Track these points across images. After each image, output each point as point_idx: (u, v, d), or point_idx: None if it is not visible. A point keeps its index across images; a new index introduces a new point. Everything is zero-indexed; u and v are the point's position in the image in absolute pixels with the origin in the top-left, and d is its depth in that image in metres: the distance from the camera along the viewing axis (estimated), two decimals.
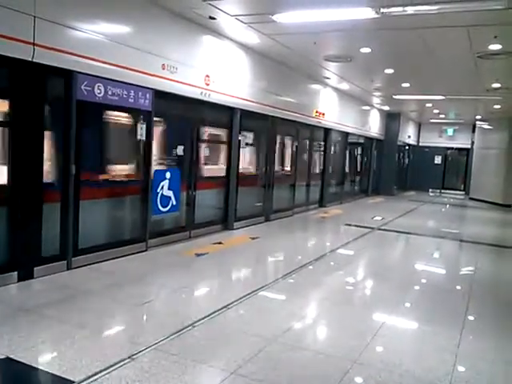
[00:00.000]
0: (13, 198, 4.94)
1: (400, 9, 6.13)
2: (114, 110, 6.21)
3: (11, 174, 4.91)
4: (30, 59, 4.78)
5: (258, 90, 9.41)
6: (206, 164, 8.55)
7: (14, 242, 4.97)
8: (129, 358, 3.44)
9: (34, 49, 4.80)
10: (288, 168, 11.86)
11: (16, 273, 4.97)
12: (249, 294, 5.14)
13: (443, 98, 13.87)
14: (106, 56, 5.72)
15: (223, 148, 9.08)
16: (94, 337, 3.86)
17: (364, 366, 3.58)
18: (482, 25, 6.63)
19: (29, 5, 4.71)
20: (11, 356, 3.35)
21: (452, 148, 23.54)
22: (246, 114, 9.10)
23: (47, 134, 5.22)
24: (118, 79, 5.92)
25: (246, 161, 10.01)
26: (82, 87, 5.45)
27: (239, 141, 9.07)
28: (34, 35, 4.79)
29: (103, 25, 5.71)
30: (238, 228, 9.19)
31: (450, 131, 23.01)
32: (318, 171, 13.84)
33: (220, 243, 7.79)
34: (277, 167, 10.91)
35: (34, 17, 4.78)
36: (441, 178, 23.68)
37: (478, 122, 20.46)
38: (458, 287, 6.28)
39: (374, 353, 3.90)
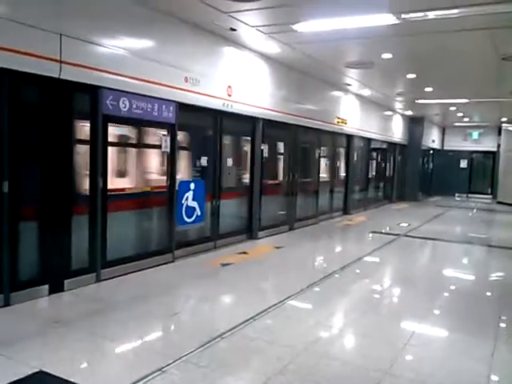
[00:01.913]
0: (43, 211, 5.04)
1: (421, 14, 6.10)
2: (139, 124, 6.30)
3: (41, 188, 5.02)
4: (57, 76, 4.91)
5: (279, 98, 9.44)
6: (229, 174, 8.58)
7: (44, 255, 5.06)
8: (159, 370, 3.46)
9: (60, 66, 4.91)
10: (311, 175, 11.82)
11: (47, 286, 5.07)
12: (276, 304, 5.12)
13: (467, 101, 13.66)
14: (130, 70, 5.82)
15: (246, 158, 9.11)
16: (124, 349, 3.90)
17: (396, 377, 3.52)
18: (505, 27, 6.52)
19: (55, 23, 4.84)
20: (44, 369, 3.41)
21: (477, 151, 23.13)
22: (269, 124, 9.13)
23: (75, 148, 5.33)
24: (142, 93, 6.01)
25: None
26: (108, 102, 5.55)
27: (262, 150, 9.09)
28: (61, 53, 4.91)
29: (126, 40, 5.82)
30: (263, 237, 9.19)
31: (475, 134, 22.61)
32: (341, 178, 13.76)
33: (245, 253, 7.79)
34: (300, 175, 10.87)
35: (61, 35, 4.90)
36: (467, 182, 23.26)
37: (503, 125, 20.08)
38: (488, 293, 6.15)
39: (406, 363, 3.84)
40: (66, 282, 5.26)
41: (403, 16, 6.16)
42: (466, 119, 19.60)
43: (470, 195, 22.87)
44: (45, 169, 5.02)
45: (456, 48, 7.92)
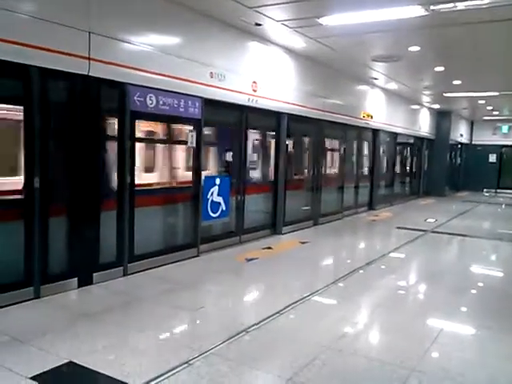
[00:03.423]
0: (72, 206, 5.14)
1: (450, 5, 5.98)
2: (165, 120, 6.36)
3: (70, 185, 5.11)
4: (86, 73, 4.98)
5: (304, 93, 9.38)
6: (254, 169, 8.59)
7: (74, 249, 5.17)
8: (186, 363, 3.50)
9: (89, 63, 4.99)
10: (336, 170, 11.74)
11: (76, 279, 5.17)
12: (301, 300, 5.11)
13: (497, 94, 13.35)
14: (157, 67, 5.87)
15: (271, 153, 9.10)
16: (151, 342, 3.95)
17: (424, 374, 3.47)
18: None
19: (84, 21, 4.92)
20: (74, 360, 3.48)
21: (507, 145, 22.56)
22: (293, 118, 9.10)
23: (103, 144, 5.41)
24: (168, 89, 6.05)
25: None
26: (135, 98, 5.61)
27: (287, 145, 9.06)
28: (89, 50, 4.99)
29: (153, 37, 5.87)
30: (287, 232, 9.17)
31: (505, 128, 22.07)
32: (366, 173, 13.63)
33: (270, 248, 7.80)
34: (325, 170, 10.81)
35: (89, 32, 4.98)
36: (496, 178, 22.70)
37: None
38: None
39: (434, 360, 3.79)
40: (94, 275, 5.36)
41: (432, 7, 6.04)
42: (495, 113, 19.14)
43: (498, 190, 22.35)
44: (74, 165, 5.10)
45: (486, 39, 7.73)
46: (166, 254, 6.38)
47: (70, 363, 3.44)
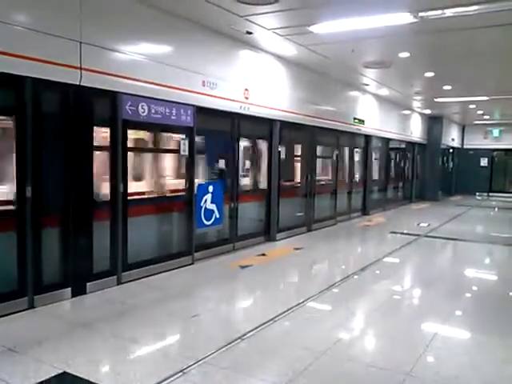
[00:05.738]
0: (65, 216, 5.12)
1: (439, 12, 6.04)
2: (158, 128, 6.37)
3: (63, 194, 5.10)
4: (77, 83, 4.99)
5: (296, 100, 9.44)
6: (247, 176, 8.61)
7: (67, 259, 5.14)
8: (180, 371, 3.49)
9: (80, 73, 5.00)
10: (329, 177, 11.78)
11: (70, 289, 5.15)
12: (296, 306, 5.12)
13: (487, 98, 13.48)
14: (149, 76, 5.89)
15: (264, 160, 9.13)
16: (145, 351, 3.95)
17: (418, 379, 3.49)
18: None
19: (75, 31, 4.93)
20: (68, 370, 3.46)
21: (498, 149, 22.75)
22: (286, 125, 9.14)
23: (95, 153, 5.41)
24: (160, 98, 6.07)
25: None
26: (127, 107, 5.62)
27: (279, 152, 9.09)
28: (81, 60, 5.00)
29: (144, 46, 5.89)
30: (281, 239, 9.18)
31: (496, 132, 22.25)
32: (359, 178, 13.68)
33: (264, 255, 7.80)
34: (318, 176, 10.85)
35: (80, 42, 4.99)
36: (488, 181, 22.86)
37: None
38: None
39: (428, 365, 3.80)
40: (88, 284, 5.34)
41: (421, 14, 6.10)
42: (486, 117, 19.30)
43: (491, 194, 22.51)
44: (66, 174, 5.10)
45: (475, 45, 7.80)
46: (160, 263, 6.36)
47: (64, 373, 3.43)
